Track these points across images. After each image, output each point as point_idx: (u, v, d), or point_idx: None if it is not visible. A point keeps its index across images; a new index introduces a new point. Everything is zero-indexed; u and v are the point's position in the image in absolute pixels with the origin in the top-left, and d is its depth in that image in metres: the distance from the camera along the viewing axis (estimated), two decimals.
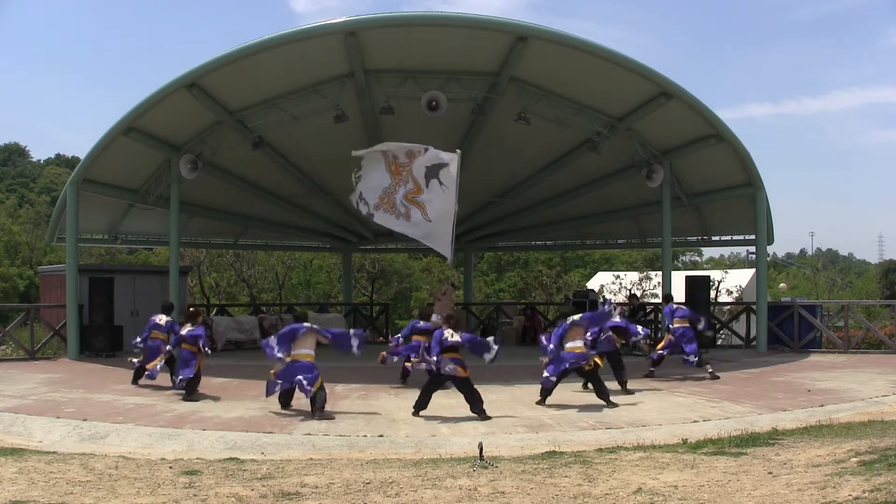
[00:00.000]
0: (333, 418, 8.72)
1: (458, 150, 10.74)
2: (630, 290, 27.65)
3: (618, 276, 33.17)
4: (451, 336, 8.92)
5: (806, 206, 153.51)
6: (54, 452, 7.03)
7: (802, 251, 75.16)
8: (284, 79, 14.23)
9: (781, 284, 40.18)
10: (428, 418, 8.79)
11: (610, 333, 10.95)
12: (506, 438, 7.72)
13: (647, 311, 19.33)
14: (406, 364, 11.28)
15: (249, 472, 6.09)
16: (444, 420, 8.70)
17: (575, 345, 9.71)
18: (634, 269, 35.01)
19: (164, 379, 11.20)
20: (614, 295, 30.82)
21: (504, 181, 19.52)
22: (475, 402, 8.79)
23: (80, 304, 15.50)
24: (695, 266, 47.11)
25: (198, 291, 30.00)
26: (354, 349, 9.17)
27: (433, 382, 9.03)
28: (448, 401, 9.34)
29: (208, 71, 13.36)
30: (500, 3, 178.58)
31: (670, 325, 12.36)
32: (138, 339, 11.54)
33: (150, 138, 15.04)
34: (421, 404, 8.96)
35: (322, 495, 5.31)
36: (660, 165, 15.70)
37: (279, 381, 8.98)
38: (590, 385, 10.31)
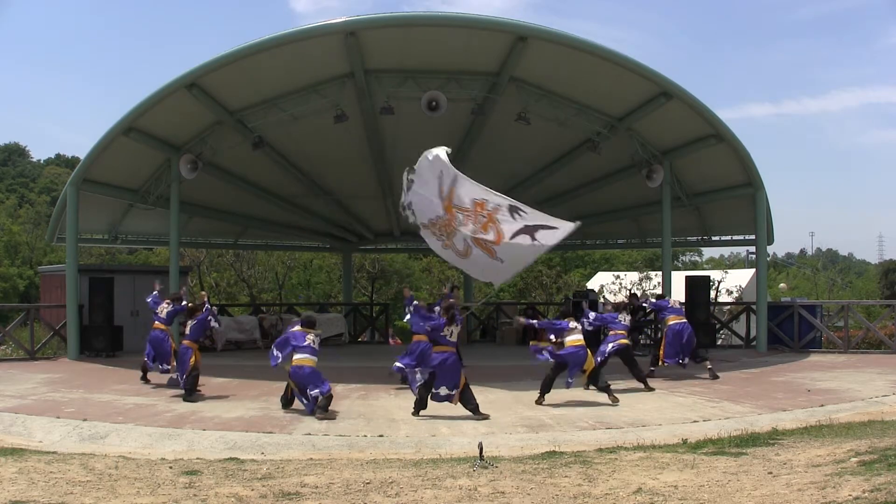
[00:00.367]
0: (335, 418, 8.73)
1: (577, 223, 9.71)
2: (630, 290, 27.65)
3: (618, 276, 33.17)
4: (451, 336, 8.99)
5: (806, 206, 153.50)
6: (54, 452, 7.02)
7: (802, 251, 75.19)
8: (284, 79, 14.23)
9: (781, 284, 40.17)
10: (428, 418, 8.79)
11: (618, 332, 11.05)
12: (506, 438, 7.72)
13: (647, 311, 19.30)
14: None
15: (249, 472, 6.09)
16: (444, 420, 8.70)
17: (574, 338, 9.84)
18: (634, 269, 35.02)
19: (163, 378, 11.23)
20: (614, 295, 30.83)
21: (504, 181, 19.43)
22: (468, 401, 8.86)
23: (80, 304, 15.50)
24: (695, 266, 47.11)
25: (198, 291, 29.97)
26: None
27: (429, 384, 9.03)
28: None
29: (208, 71, 13.36)
30: (500, 3, 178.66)
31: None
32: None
33: (150, 138, 15.05)
34: (420, 404, 8.98)
35: (322, 495, 5.31)
36: (660, 165, 15.70)
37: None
38: (591, 386, 10.35)
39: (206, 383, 10.97)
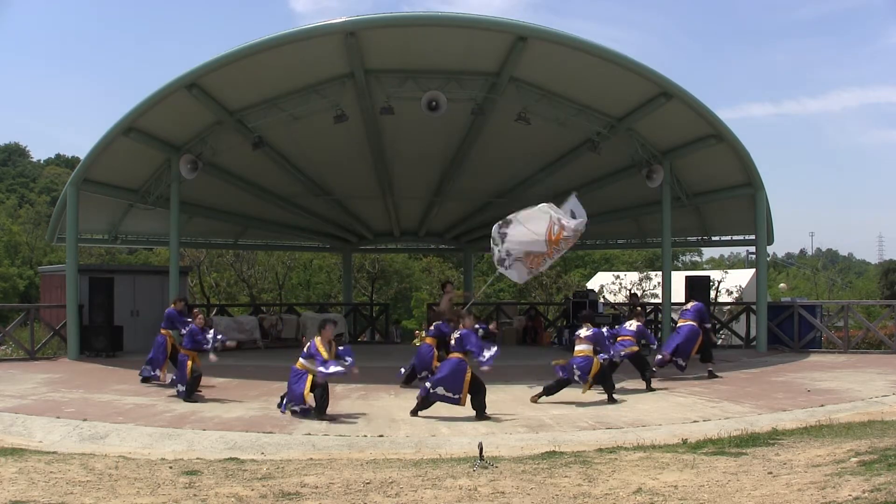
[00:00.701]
0: (335, 419, 8.72)
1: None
2: (630, 290, 27.65)
3: (618, 276, 33.18)
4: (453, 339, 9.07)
5: (806, 206, 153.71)
6: (54, 452, 7.02)
7: (802, 251, 75.20)
8: (284, 79, 14.22)
9: (781, 284, 40.17)
10: (428, 418, 8.79)
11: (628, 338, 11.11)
12: (506, 438, 7.72)
13: (648, 311, 19.32)
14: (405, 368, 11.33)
15: (249, 472, 6.09)
16: (444, 420, 8.70)
17: (581, 348, 9.91)
18: (634, 269, 35.01)
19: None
20: (614, 295, 30.84)
21: (504, 181, 19.53)
22: (477, 400, 8.86)
23: (80, 304, 15.50)
24: (695, 266, 47.10)
25: (198, 291, 30.00)
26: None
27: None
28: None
29: (208, 71, 13.35)
30: (500, 3, 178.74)
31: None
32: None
33: (150, 138, 15.04)
34: (422, 407, 8.98)
35: (322, 495, 5.31)
36: (660, 165, 15.70)
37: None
38: (592, 387, 10.37)
39: (207, 383, 10.96)
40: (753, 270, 22.67)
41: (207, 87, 13.99)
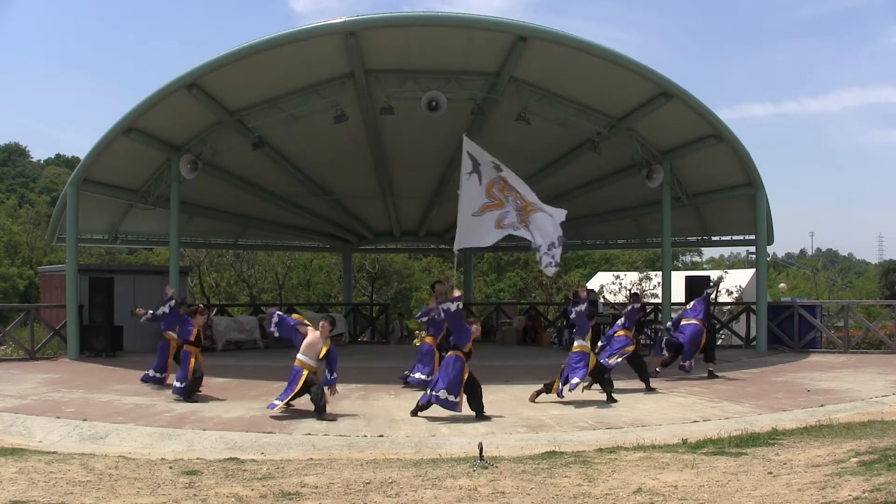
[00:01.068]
0: (335, 419, 8.72)
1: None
2: (630, 290, 27.65)
3: (618, 276, 33.18)
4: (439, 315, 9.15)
5: (806, 206, 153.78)
6: (54, 452, 7.02)
7: (802, 251, 75.19)
8: (284, 79, 14.23)
9: (781, 284, 40.16)
10: (428, 418, 8.79)
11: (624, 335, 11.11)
12: (506, 438, 7.72)
13: (648, 311, 19.32)
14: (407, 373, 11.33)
15: (249, 472, 6.09)
16: (444, 420, 8.70)
17: (579, 343, 9.87)
18: (634, 270, 35.02)
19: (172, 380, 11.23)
20: (614, 295, 30.85)
21: None
22: (474, 400, 8.86)
23: (80, 304, 15.50)
24: (695, 266, 47.11)
25: (198, 291, 30.01)
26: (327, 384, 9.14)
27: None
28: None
29: (208, 71, 13.36)
30: (500, 3, 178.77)
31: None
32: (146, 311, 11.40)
33: (150, 138, 15.05)
34: (423, 408, 8.98)
35: (322, 495, 5.31)
36: (660, 165, 15.70)
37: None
38: (593, 386, 10.37)
39: (207, 383, 10.95)
40: (753, 270, 22.68)
41: (207, 87, 13.99)
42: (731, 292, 28.97)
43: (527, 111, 14.38)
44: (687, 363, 11.99)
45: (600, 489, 5.28)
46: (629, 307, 11.76)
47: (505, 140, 16.69)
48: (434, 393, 8.79)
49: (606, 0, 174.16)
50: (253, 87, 14.37)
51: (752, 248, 21.63)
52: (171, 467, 6.30)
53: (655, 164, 15.69)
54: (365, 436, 7.87)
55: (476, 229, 10.54)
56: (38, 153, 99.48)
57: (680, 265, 44.81)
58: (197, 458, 6.91)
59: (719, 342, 19.30)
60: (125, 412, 9.16)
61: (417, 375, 10.69)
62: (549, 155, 17.79)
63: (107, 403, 9.79)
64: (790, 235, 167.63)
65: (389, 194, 19.88)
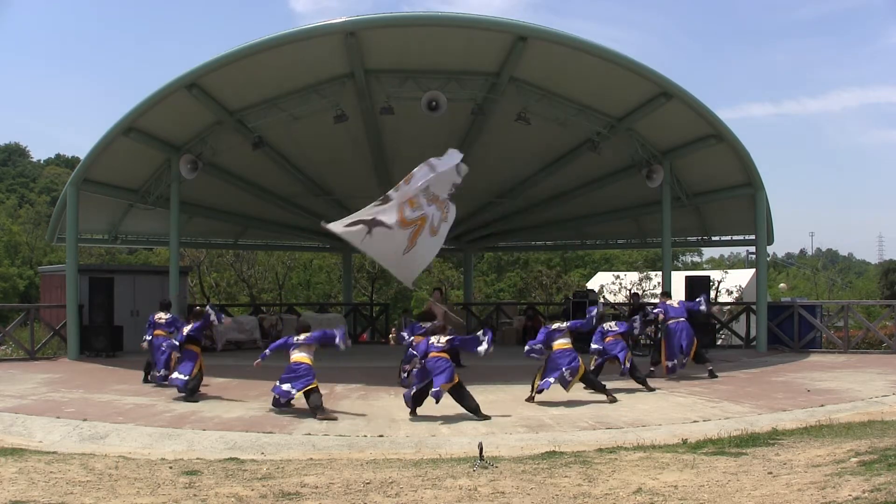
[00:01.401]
0: (336, 419, 8.72)
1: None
2: (631, 290, 27.65)
3: (618, 277, 33.15)
4: (438, 342, 9.01)
5: (806, 206, 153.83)
6: (54, 452, 7.02)
7: (802, 251, 75.19)
8: (284, 79, 14.23)
9: (781, 284, 40.17)
10: (428, 418, 8.79)
11: (616, 337, 11.10)
12: (506, 438, 7.72)
13: (653, 320, 19.27)
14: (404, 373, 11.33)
15: (249, 472, 6.09)
16: (444, 420, 8.70)
17: (563, 342, 9.82)
18: (634, 269, 34.99)
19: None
20: (614, 295, 30.84)
21: (504, 181, 19.53)
22: (464, 399, 8.86)
23: (80, 304, 15.50)
24: (695, 266, 47.09)
25: (198, 291, 30.00)
26: (339, 344, 9.13)
27: (425, 389, 9.02)
28: (448, 400, 9.32)
29: (208, 71, 13.35)
30: (500, 3, 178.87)
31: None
32: (145, 340, 11.56)
33: (150, 138, 15.04)
34: (415, 404, 8.98)
35: (322, 495, 5.31)
36: (660, 165, 15.70)
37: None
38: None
39: (207, 383, 10.96)
40: (753, 270, 22.68)
41: (207, 87, 13.99)
42: (731, 292, 28.96)
43: (527, 111, 14.38)
44: (671, 362, 11.95)
45: (600, 489, 5.28)
46: (635, 320, 11.71)
47: (505, 140, 16.72)
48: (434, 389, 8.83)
49: (606, 0, 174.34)
50: (253, 87, 14.37)
51: (752, 248, 21.63)
52: (171, 467, 6.30)
53: (655, 164, 15.69)
54: (365, 436, 7.87)
55: (416, 260, 10.33)
56: (38, 153, 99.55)
57: (680, 265, 44.78)
58: (197, 458, 6.91)
59: (719, 342, 19.31)
60: (125, 412, 9.16)
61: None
62: (549, 155, 17.79)
63: (107, 403, 9.79)
64: (790, 235, 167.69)
65: None
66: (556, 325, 10.04)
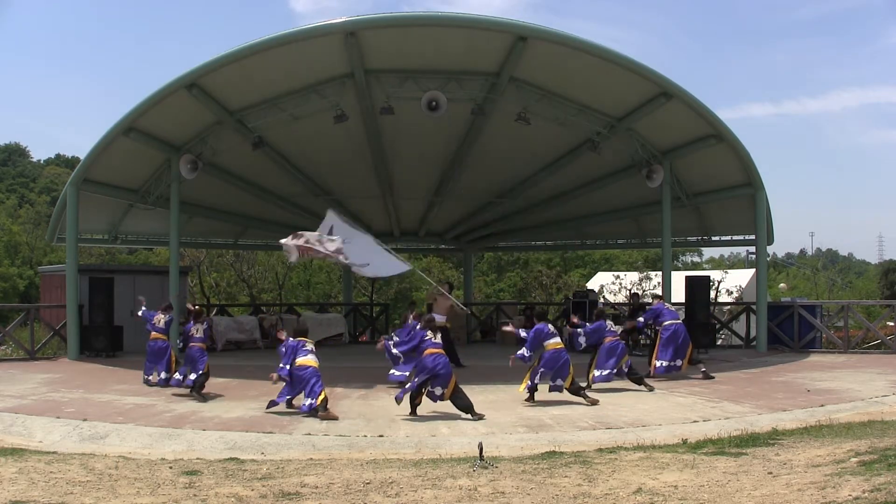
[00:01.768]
0: (337, 418, 8.72)
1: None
2: (631, 290, 27.64)
3: (618, 277, 33.12)
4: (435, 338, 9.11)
5: (806, 206, 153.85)
6: (54, 452, 7.03)
7: (802, 251, 75.15)
8: (284, 79, 14.22)
9: (781, 284, 40.15)
10: (428, 418, 8.79)
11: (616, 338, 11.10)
12: (506, 438, 7.72)
13: (645, 323, 19.26)
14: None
15: (249, 472, 6.10)
16: (444, 420, 8.70)
17: (554, 342, 9.81)
18: (634, 270, 34.97)
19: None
20: (614, 295, 30.82)
21: (504, 181, 19.53)
22: (459, 398, 8.86)
23: (80, 304, 15.50)
24: (695, 266, 47.07)
25: (198, 291, 29.99)
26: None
27: (423, 385, 9.01)
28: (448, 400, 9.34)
29: (208, 71, 13.35)
30: (500, 3, 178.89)
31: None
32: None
33: (150, 138, 15.04)
34: (412, 402, 8.99)
35: (322, 495, 5.31)
36: (660, 165, 15.69)
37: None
38: (593, 386, 10.37)
39: (207, 383, 10.95)
40: (753, 270, 22.67)
41: (207, 87, 13.99)
42: (731, 292, 28.96)
43: (527, 111, 14.37)
44: (661, 363, 11.93)
45: (600, 489, 5.29)
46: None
47: (505, 140, 16.71)
48: (431, 389, 8.86)
49: (606, 0, 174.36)
50: (253, 87, 14.36)
51: (752, 249, 21.63)
52: (171, 467, 6.31)
53: (655, 164, 15.68)
54: (365, 436, 7.87)
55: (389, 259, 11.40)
56: (38, 153, 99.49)
57: (680, 265, 44.76)
58: (197, 458, 6.91)
59: (719, 342, 19.31)
60: (125, 412, 9.16)
61: (397, 373, 10.89)
62: (549, 155, 17.79)
63: (107, 403, 9.79)
64: (790, 235, 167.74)
65: (389, 194, 19.87)
66: (550, 328, 10.02)
